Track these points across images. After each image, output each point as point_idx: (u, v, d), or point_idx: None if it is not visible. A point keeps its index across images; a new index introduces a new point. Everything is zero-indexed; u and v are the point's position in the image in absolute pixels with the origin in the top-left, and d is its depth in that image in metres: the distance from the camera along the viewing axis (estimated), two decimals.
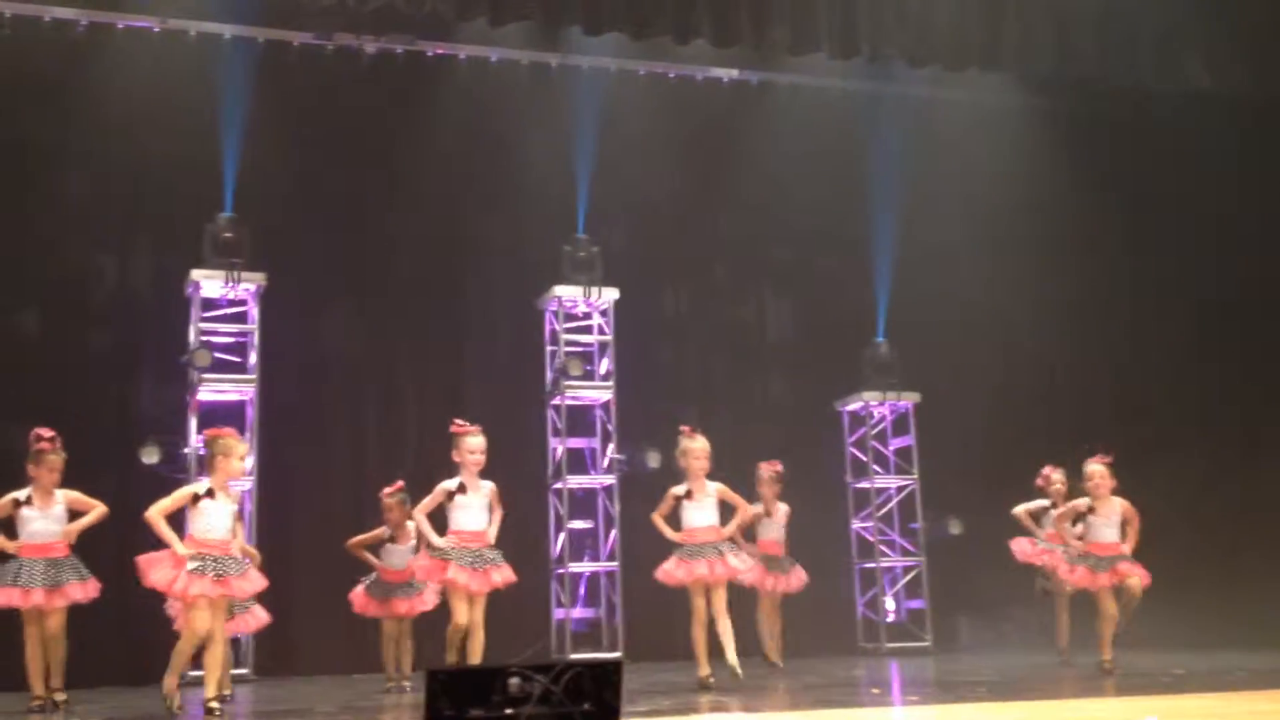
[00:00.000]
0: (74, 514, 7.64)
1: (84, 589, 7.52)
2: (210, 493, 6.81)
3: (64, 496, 7.62)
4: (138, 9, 10.55)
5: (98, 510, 7.65)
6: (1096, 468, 8.15)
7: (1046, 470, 9.47)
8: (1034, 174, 12.27)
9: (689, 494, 7.95)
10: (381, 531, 8.66)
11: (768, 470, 9.67)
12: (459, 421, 7.57)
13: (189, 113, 10.44)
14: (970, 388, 12.19)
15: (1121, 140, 12.44)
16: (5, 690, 8.28)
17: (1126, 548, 8.02)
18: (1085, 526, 8.22)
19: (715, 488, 7.99)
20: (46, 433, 7.64)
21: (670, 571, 7.89)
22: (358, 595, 8.66)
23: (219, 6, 10.52)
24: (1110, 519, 8.08)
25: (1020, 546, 9.51)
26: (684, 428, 8.16)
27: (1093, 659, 8.20)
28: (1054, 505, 9.36)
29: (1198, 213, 12.06)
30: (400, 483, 8.70)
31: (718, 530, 7.93)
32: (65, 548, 7.54)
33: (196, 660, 7.04)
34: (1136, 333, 12.33)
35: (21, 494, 7.55)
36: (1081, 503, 8.22)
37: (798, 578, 9.69)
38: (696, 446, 7.98)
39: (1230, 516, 11.30)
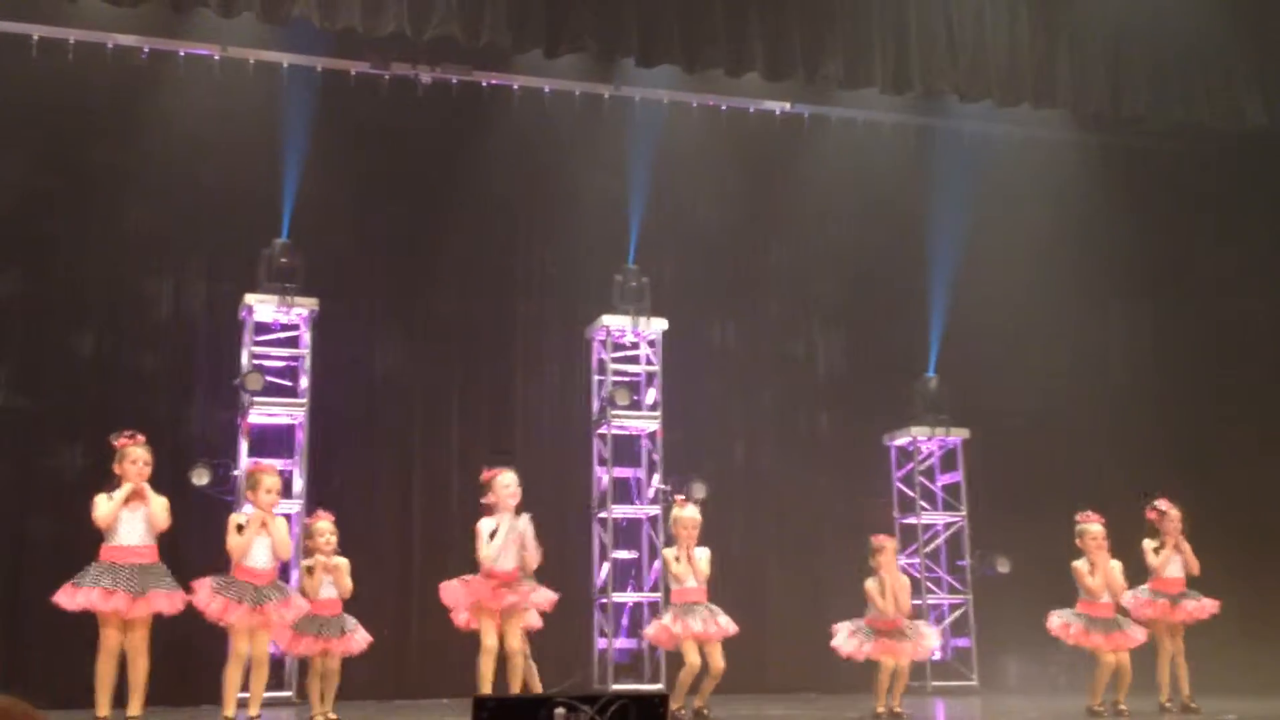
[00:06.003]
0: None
1: (169, 600, 6.86)
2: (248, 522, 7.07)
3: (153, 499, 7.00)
4: (199, 37, 10.69)
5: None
6: (1086, 528, 8.33)
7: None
8: (1087, 210, 12.21)
9: (677, 559, 8.29)
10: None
11: (889, 542, 9.01)
12: (488, 468, 7.72)
13: (247, 140, 10.56)
14: (1020, 424, 12.08)
15: (1176, 178, 12.32)
16: (66, 708, 7.61)
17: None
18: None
19: (703, 553, 8.30)
20: (125, 431, 7.15)
21: (667, 627, 8.12)
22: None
23: (278, 36, 10.61)
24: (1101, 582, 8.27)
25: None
26: (677, 497, 8.58)
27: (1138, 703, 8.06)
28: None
29: (1255, 253, 11.91)
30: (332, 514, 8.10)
31: (704, 591, 8.26)
32: (154, 554, 6.95)
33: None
34: (1191, 370, 12.18)
35: (111, 495, 6.95)
36: (1082, 563, 8.39)
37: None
38: (686, 516, 8.28)
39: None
